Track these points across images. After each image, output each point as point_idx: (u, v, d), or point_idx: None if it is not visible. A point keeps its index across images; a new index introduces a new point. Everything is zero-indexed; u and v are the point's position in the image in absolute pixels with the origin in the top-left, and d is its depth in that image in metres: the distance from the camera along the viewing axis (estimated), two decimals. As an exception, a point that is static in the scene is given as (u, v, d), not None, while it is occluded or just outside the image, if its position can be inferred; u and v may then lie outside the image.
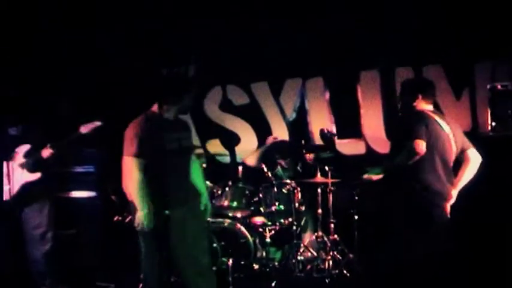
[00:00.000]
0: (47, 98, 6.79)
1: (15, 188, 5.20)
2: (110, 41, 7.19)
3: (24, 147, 5.34)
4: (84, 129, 5.28)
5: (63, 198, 6.25)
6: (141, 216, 3.98)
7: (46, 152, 5.27)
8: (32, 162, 5.31)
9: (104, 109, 6.74)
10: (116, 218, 5.85)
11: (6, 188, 5.14)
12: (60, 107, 6.99)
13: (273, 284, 5.48)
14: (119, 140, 6.33)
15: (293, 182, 6.07)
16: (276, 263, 5.80)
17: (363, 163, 5.47)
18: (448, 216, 4.42)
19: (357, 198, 5.98)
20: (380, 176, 4.54)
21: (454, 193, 4.45)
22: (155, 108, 4.21)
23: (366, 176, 4.61)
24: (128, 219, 5.61)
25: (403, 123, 4.65)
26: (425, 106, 4.56)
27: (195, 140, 7.36)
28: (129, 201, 4.09)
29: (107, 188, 6.29)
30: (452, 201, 4.44)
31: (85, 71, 7.15)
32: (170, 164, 4.14)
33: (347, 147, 6.75)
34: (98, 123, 5.32)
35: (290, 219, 5.98)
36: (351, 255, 5.81)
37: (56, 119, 6.63)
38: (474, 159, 4.55)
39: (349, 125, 6.73)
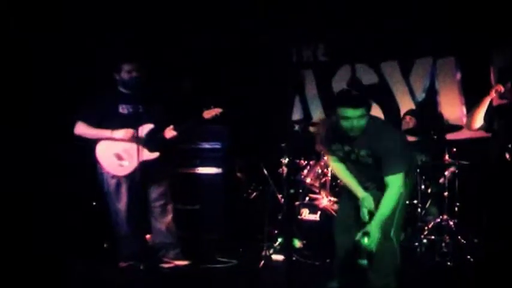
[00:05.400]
0: (169, 78, 6.94)
1: (134, 164, 5.29)
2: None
3: (147, 126, 5.39)
4: (206, 114, 5.38)
5: (188, 174, 6.40)
6: None
7: (169, 133, 5.40)
8: (154, 142, 5.41)
9: (228, 90, 6.99)
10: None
11: (126, 163, 5.32)
12: (183, 86, 7.16)
13: (395, 265, 5.51)
14: (244, 118, 6.65)
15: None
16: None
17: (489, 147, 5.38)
18: None
19: (485, 182, 5.84)
20: None
21: None
22: None
23: None
24: (252, 197, 5.82)
25: None
26: None
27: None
28: None
29: (233, 165, 6.49)
30: None
31: (207, 51, 7.37)
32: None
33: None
34: (219, 110, 5.39)
35: (415, 201, 5.95)
36: (475, 240, 5.71)
37: (178, 98, 6.75)
38: None
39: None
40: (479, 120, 5.30)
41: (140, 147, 5.30)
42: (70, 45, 6.06)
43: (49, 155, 5.80)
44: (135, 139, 5.23)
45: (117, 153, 5.38)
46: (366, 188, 4.44)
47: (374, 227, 4.19)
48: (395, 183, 4.21)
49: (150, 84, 5.55)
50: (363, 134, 4.24)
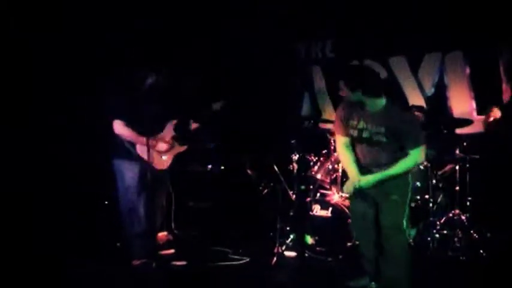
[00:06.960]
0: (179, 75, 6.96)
1: (171, 158, 5.60)
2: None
3: (172, 122, 5.62)
4: (215, 106, 5.75)
5: (199, 172, 6.54)
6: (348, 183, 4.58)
7: (192, 126, 5.76)
8: (183, 136, 5.67)
9: (237, 87, 7.03)
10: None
11: (165, 157, 5.56)
12: (186, 83, 7.25)
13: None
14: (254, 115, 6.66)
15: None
16: (411, 240, 5.73)
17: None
18: None
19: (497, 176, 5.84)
20: None
21: None
22: None
23: None
24: (263, 194, 5.81)
25: None
26: None
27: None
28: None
29: (244, 163, 6.50)
30: None
31: (211, 50, 7.43)
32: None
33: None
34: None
35: (426, 196, 5.93)
36: (488, 235, 5.71)
37: (187, 95, 6.77)
38: None
39: (490, 102, 6.50)
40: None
41: (173, 142, 5.62)
42: (70, 45, 6.08)
43: (49, 155, 5.83)
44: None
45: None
46: (370, 172, 4.49)
47: (371, 178, 4.44)
48: (416, 154, 4.35)
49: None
50: (381, 111, 4.36)
